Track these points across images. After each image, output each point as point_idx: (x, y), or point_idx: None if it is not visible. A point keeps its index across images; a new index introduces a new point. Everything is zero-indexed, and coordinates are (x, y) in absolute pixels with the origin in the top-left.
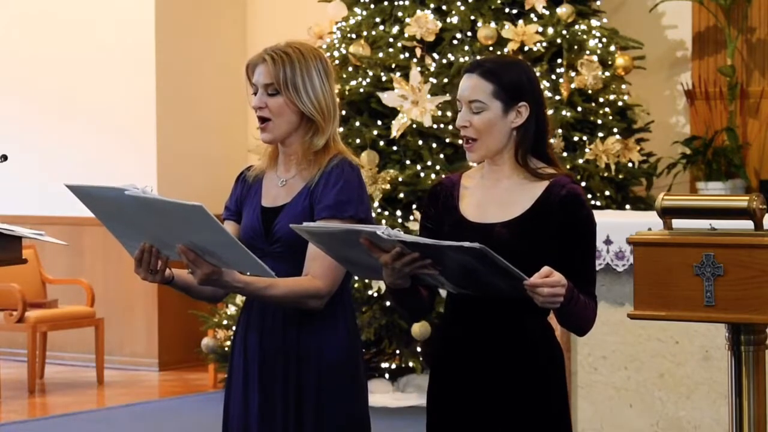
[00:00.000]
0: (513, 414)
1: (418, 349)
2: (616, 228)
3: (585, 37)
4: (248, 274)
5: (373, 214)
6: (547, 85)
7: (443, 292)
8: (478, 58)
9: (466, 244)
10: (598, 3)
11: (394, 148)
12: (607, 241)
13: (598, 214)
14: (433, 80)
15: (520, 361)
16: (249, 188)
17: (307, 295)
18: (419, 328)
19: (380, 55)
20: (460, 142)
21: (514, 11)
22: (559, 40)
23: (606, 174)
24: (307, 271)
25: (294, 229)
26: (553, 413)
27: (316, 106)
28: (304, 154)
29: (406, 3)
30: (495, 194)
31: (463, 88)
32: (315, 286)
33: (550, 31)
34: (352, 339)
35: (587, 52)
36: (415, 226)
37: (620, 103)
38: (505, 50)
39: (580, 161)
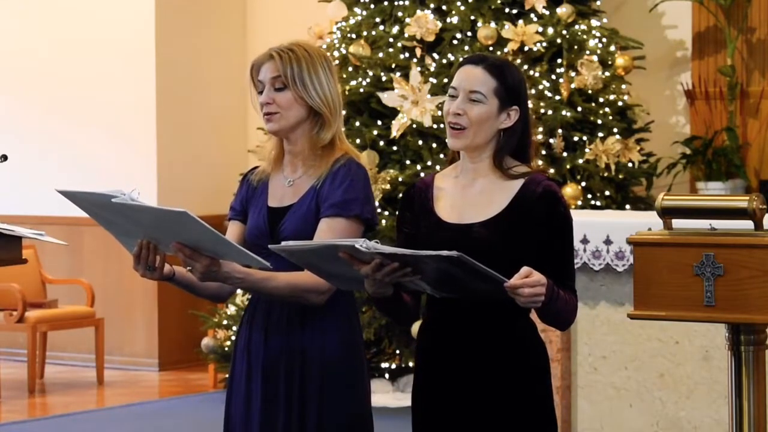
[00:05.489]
0: (501, 414)
1: None
2: (616, 228)
3: (585, 37)
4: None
5: None
6: (547, 85)
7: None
8: (477, 53)
9: (444, 252)
10: (598, 3)
11: (394, 148)
12: (607, 241)
13: (598, 215)
14: (433, 80)
15: (506, 361)
16: (254, 190)
17: (308, 289)
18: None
19: (380, 55)
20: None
21: (514, 11)
22: (559, 40)
23: (606, 174)
24: None
25: (272, 249)
26: (540, 410)
27: (324, 100)
28: (311, 149)
29: (406, 3)
30: (470, 194)
31: (465, 77)
32: (316, 280)
33: (550, 31)
34: (355, 334)
35: (587, 52)
36: None
37: (620, 103)
38: (505, 50)
39: (580, 161)
